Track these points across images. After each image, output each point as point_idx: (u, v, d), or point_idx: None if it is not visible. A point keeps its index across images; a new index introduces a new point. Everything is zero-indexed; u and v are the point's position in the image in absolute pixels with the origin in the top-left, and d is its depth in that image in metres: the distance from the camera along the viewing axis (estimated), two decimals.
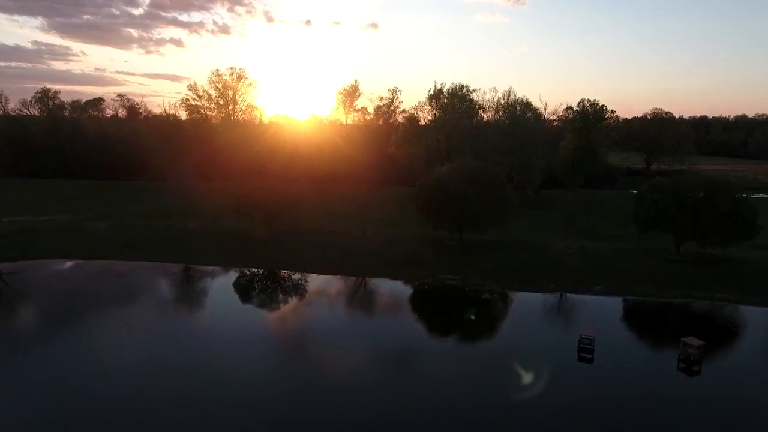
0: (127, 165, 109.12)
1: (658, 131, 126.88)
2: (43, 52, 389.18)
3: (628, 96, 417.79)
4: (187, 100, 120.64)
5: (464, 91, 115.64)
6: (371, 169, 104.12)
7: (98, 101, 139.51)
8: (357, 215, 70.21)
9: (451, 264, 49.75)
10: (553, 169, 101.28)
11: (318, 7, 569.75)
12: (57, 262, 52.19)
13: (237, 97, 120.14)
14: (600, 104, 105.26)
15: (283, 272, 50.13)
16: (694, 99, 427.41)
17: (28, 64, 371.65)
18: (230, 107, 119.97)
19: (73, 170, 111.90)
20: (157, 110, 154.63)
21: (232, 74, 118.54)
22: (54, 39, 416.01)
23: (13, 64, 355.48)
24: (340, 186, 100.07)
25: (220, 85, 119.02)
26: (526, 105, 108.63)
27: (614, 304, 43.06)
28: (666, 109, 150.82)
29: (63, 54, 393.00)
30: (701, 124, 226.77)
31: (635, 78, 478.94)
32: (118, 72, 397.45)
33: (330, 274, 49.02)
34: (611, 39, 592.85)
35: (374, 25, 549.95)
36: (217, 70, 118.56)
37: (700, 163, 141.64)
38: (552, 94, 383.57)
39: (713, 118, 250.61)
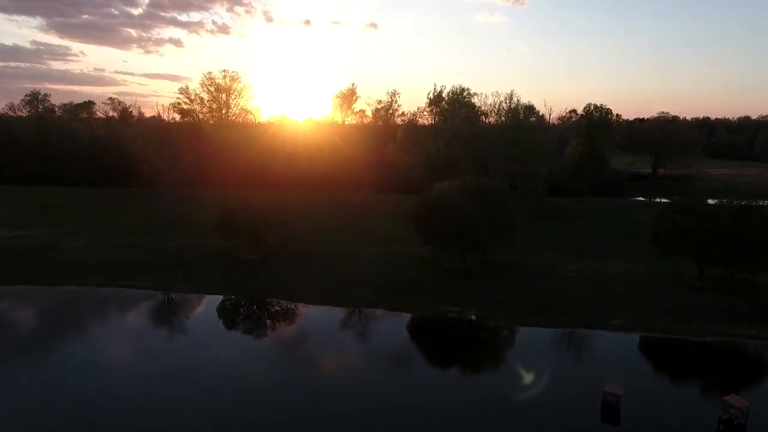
0: (117, 171, 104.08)
1: (665, 135, 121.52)
2: (42, 52, 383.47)
3: (628, 96, 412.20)
4: (179, 103, 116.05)
5: (465, 94, 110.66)
6: (369, 170, 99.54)
7: (89, 104, 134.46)
8: (352, 228, 65.38)
9: (453, 292, 44.63)
10: (557, 175, 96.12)
11: (317, 7, 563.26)
12: (10, 290, 47.23)
13: (230, 101, 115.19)
14: (606, 109, 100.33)
15: (267, 301, 45.17)
16: (696, 100, 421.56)
17: (27, 64, 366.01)
18: (223, 111, 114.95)
19: (60, 176, 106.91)
20: (151, 113, 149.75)
21: (224, 77, 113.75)
22: (53, 39, 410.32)
23: (12, 64, 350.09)
24: (336, 192, 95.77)
25: (212, 89, 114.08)
26: (530, 109, 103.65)
27: (636, 342, 38.02)
28: (667, 109, 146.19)
29: (62, 54, 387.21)
30: (704, 125, 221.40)
31: (635, 78, 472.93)
32: (117, 72, 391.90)
33: (320, 304, 43.94)
34: (611, 39, 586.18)
35: (373, 25, 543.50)
36: (210, 72, 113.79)
37: (706, 165, 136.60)
38: (552, 93, 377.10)
39: (716, 119, 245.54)
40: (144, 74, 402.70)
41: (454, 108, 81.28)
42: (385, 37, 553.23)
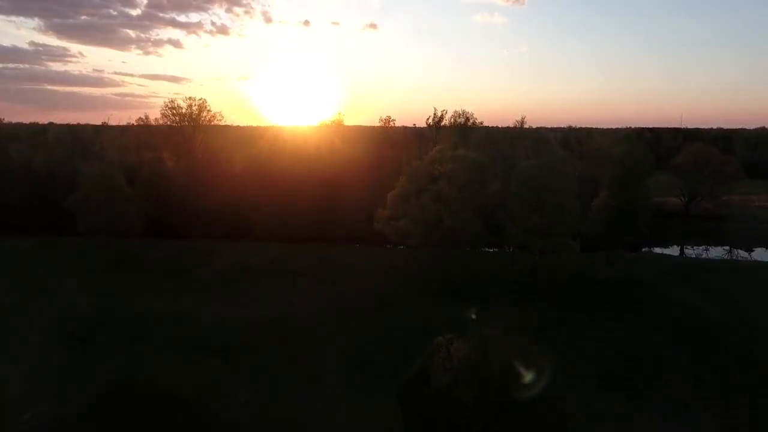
0: (60, 216, 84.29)
1: (699, 169, 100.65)
2: (40, 53, 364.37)
3: (628, 96, 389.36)
4: (139, 137, 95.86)
5: (470, 123, 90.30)
6: (360, 213, 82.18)
7: (45, 130, 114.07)
8: (315, 347, 45.40)
9: None
10: (583, 231, 75.39)
11: (316, 7, 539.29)
12: None
13: (196, 133, 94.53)
14: (643, 148, 79.20)
15: None
16: (697, 101, 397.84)
17: (26, 65, 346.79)
18: (188, 144, 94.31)
19: None
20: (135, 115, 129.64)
21: (190, 106, 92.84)
22: (51, 40, 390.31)
23: (11, 65, 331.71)
24: (322, 244, 79.14)
25: (177, 119, 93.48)
26: (546, 144, 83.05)
27: None
28: (670, 111, 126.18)
29: (61, 55, 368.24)
30: (719, 138, 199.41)
31: (636, 79, 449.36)
32: (116, 73, 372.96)
33: None
34: (612, 40, 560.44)
35: (373, 26, 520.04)
36: (173, 101, 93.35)
37: (735, 192, 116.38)
38: (552, 94, 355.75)
39: (729, 129, 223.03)
40: (143, 75, 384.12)
41: (457, 165, 60.44)
42: (384, 38, 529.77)
